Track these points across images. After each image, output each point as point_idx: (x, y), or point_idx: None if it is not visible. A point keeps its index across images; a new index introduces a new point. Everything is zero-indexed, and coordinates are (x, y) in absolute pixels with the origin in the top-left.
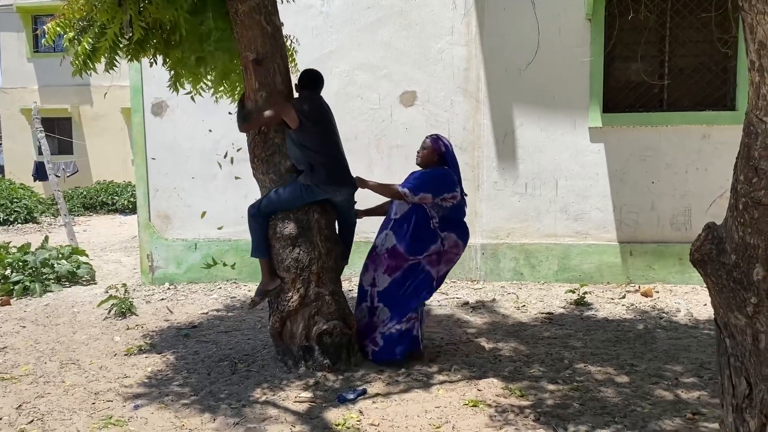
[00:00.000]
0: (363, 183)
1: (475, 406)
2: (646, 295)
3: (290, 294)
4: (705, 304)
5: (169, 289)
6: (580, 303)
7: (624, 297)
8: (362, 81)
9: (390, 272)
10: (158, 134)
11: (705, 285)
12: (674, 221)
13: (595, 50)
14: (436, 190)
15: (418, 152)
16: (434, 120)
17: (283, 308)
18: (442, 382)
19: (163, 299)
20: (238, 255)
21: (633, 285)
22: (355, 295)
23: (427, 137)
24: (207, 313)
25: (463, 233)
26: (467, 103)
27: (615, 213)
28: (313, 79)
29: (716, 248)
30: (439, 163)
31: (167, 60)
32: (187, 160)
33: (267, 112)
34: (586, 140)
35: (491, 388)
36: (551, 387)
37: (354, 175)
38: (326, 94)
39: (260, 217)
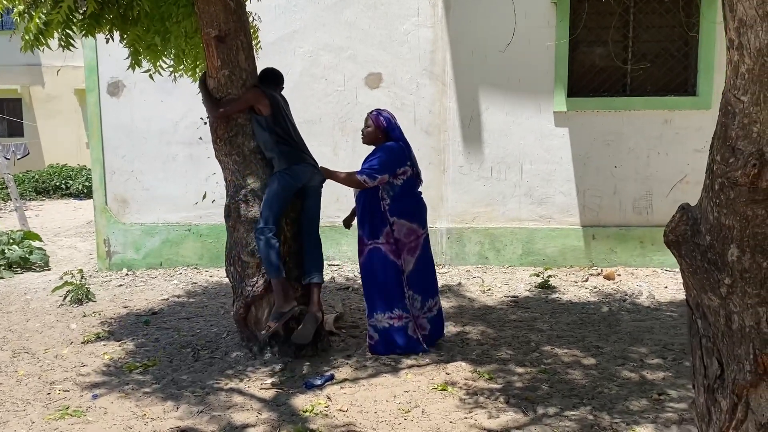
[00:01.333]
0: (329, 173)
1: (444, 389)
2: (608, 278)
3: (255, 279)
4: (666, 287)
5: (127, 275)
6: (545, 286)
7: (587, 280)
8: (326, 62)
9: (359, 257)
10: (114, 115)
11: (666, 267)
12: (636, 205)
13: (561, 34)
14: (389, 168)
15: (362, 131)
16: (400, 103)
17: (247, 293)
18: (410, 367)
19: (121, 285)
20: (199, 240)
21: (596, 268)
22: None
23: (367, 114)
24: (167, 299)
25: (417, 213)
26: (433, 86)
27: (578, 197)
28: (275, 79)
29: (691, 229)
30: (384, 139)
31: (124, 36)
32: (145, 141)
33: (240, 100)
34: (551, 124)
35: (460, 371)
36: (519, 370)
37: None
38: (290, 75)
39: (268, 231)
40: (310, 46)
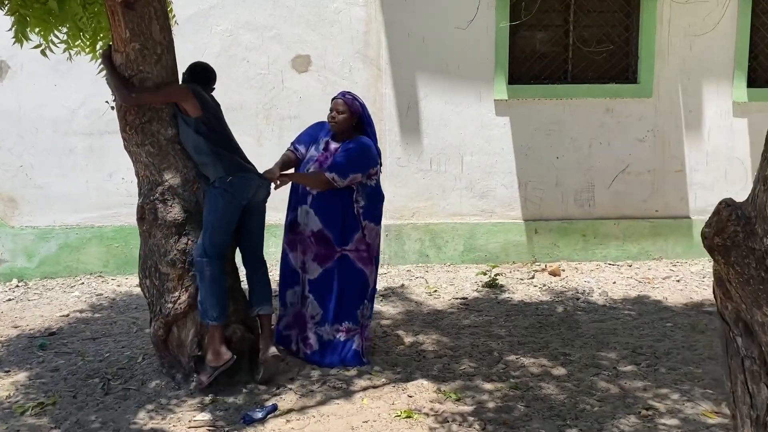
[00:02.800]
0: (290, 177)
1: (410, 417)
2: (554, 274)
3: (177, 294)
4: (614, 282)
5: (17, 287)
6: (493, 285)
7: (533, 277)
8: (248, 42)
9: (320, 261)
10: None
11: (609, 261)
12: (578, 197)
13: (500, 17)
14: (364, 166)
15: (332, 117)
16: (331, 88)
17: (168, 311)
18: (365, 389)
19: (10, 300)
20: (103, 244)
21: (538, 264)
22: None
23: (339, 96)
24: (68, 315)
25: (380, 215)
26: (367, 71)
27: (520, 190)
28: (206, 76)
29: (743, 230)
30: (358, 128)
31: (6, 2)
32: (36, 132)
33: (160, 93)
34: (492, 113)
35: (422, 392)
36: (488, 386)
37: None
38: (207, 56)
39: (210, 263)
40: (230, 24)
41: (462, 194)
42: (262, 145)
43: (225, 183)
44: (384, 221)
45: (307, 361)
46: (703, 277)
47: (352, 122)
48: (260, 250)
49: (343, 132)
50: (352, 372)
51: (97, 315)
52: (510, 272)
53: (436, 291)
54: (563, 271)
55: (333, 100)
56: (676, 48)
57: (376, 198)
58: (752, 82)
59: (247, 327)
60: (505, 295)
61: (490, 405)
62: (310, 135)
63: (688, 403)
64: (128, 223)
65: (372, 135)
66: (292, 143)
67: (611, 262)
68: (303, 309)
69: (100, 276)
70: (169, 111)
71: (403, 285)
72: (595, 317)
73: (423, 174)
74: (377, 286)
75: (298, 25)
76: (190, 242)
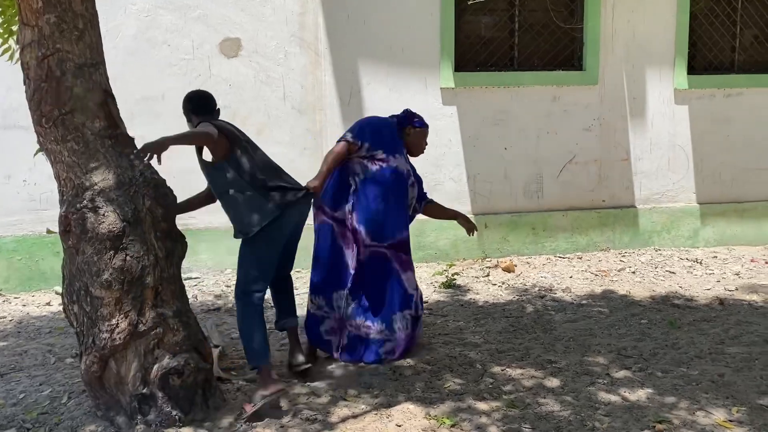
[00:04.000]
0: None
1: None
2: (508, 270)
3: (114, 321)
4: (571, 277)
5: None
6: (451, 286)
7: (488, 275)
8: (168, 24)
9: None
10: None
11: (559, 254)
12: (527, 189)
13: (445, 0)
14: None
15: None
16: (265, 75)
17: (103, 343)
18: (344, 419)
19: None
20: (4, 258)
21: (489, 259)
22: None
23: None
24: None
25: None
26: (305, 56)
27: (469, 183)
28: (209, 104)
29: None
30: None
31: None
32: None
33: (183, 135)
34: (438, 102)
35: (411, 419)
36: (482, 406)
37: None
38: (121, 39)
39: (250, 294)
40: (146, 3)
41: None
42: None
43: (273, 225)
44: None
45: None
46: (655, 267)
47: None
48: (292, 265)
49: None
50: (324, 398)
51: (1, 343)
52: (462, 270)
53: None
54: (515, 266)
55: (424, 128)
56: (620, 34)
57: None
58: (692, 69)
59: (200, 354)
60: (468, 297)
61: (492, 430)
62: (385, 136)
63: (699, 412)
64: (32, 233)
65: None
66: (354, 136)
67: (561, 255)
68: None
69: (0, 295)
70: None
71: None
72: (567, 317)
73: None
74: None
75: (226, 5)
76: (128, 258)
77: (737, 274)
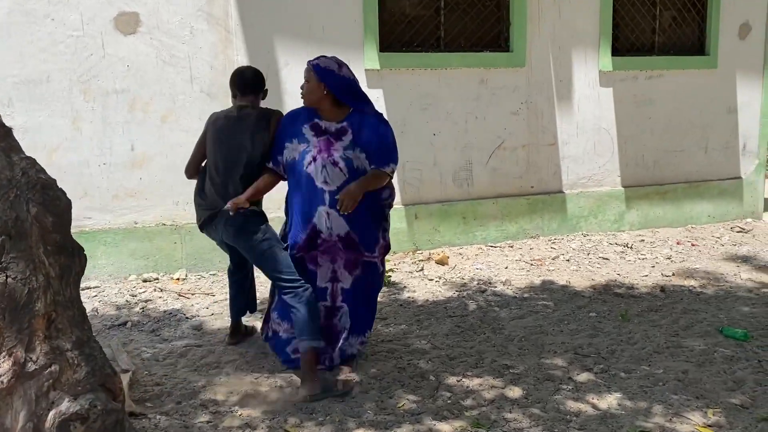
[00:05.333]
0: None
1: None
2: (441, 263)
3: None
4: (506, 267)
5: None
6: (386, 283)
7: (422, 269)
8: None
9: (350, 269)
10: None
11: (490, 243)
12: (457, 177)
13: None
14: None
15: (301, 87)
16: (168, 54)
17: None
18: None
19: None
20: None
21: (420, 252)
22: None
23: (308, 62)
24: None
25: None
26: (214, 34)
27: (398, 171)
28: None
29: None
30: (333, 99)
31: None
32: None
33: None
34: (363, 85)
35: None
36: (444, 427)
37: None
38: None
39: (300, 283)
40: None
41: None
42: (81, 128)
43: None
44: None
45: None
46: (588, 254)
47: (322, 91)
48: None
49: (319, 105)
50: (261, 431)
51: None
52: (396, 265)
53: None
54: (449, 258)
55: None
56: (547, 14)
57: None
58: (615, 51)
59: (108, 391)
60: (405, 295)
61: None
62: (286, 131)
63: (675, 419)
64: None
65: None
66: (269, 158)
67: (492, 244)
68: (335, 320)
69: None
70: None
71: None
72: (514, 313)
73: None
74: None
75: None
76: (10, 280)
77: (669, 258)
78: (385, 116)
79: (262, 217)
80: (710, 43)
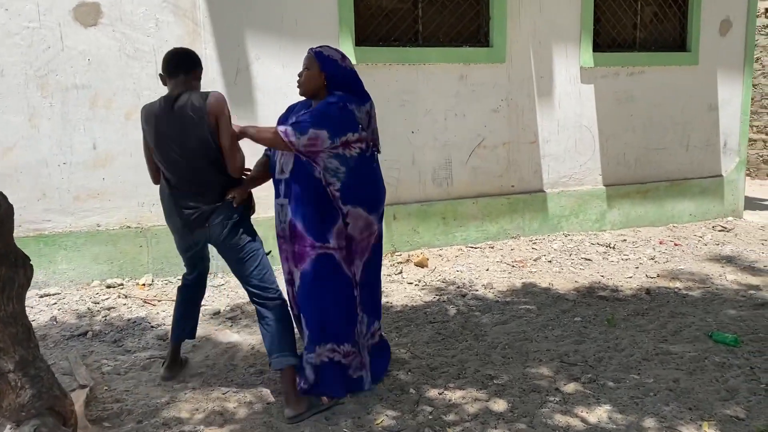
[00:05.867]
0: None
1: None
2: (421, 265)
3: None
4: (487, 269)
5: None
6: None
7: (401, 272)
8: None
9: (297, 263)
10: None
11: (470, 244)
12: (436, 176)
13: None
14: (333, 125)
15: (298, 74)
16: (132, 48)
17: None
18: None
19: None
20: None
21: (399, 253)
22: None
23: (309, 50)
24: None
25: (377, 199)
26: (180, 26)
27: None
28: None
29: None
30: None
31: None
32: None
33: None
34: None
35: None
36: None
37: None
38: None
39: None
40: None
41: None
42: (38, 126)
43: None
44: None
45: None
46: (570, 254)
47: (321, 81)
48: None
49: (315, 96)
50: None
51: None
52: None
53: None
54: (428, 260)
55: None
56: (527, 8)
57: (361, 173)
58: (596, 46)
59: (58, 415)
60: (384, 300)
61: None
62: (285, 118)
63: None
64: None
65: (355, 97)
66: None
67: (472, 245)
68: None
69: None
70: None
71: None
72: (496, 318)
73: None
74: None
75: None
76: None
77: (652, 259)
78: None
79: (249, 217)
80: (691, 39)
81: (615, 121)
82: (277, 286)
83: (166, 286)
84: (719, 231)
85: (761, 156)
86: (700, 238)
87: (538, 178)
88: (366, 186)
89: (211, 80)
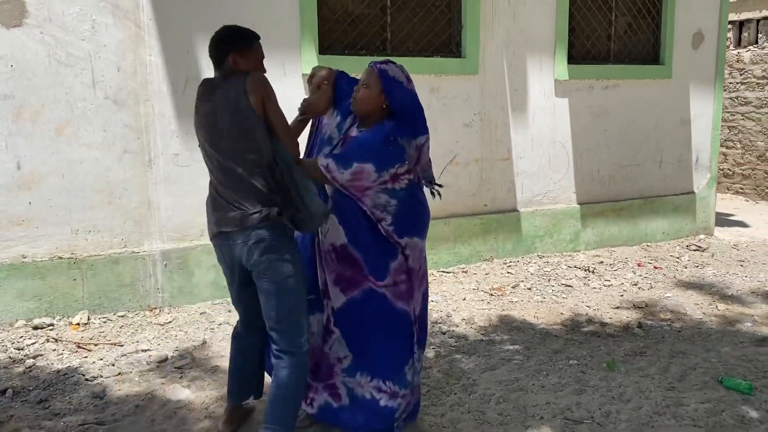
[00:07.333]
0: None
1: None
2: None
3: None
4: (464, 299)
5: None
6: None
7: None
8: None
9: (343, 287)
10: None
11: (442, 268)
12: None
13: None
14: (379, 157)
15: (355, 89)
16: (65, 54)
17: None
18: None
19: None
20: None
21: None
22: None
23: (372, 65)
24: None
25: (426, 227)
26: (121, 29)
27: None
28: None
29: None
30: (388, 114)
31: None
32: None
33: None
34: (300, 92)
35: None
36: None
37: None
38: None
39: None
40: None
41: None
42: None
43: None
44: (159, 245)
45: (332, 421)
46: (549, 279)
47: (380, 103)
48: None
49: (368, 116)
50: None
51: None
52: None
53: None
54: None
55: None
56: (501, 17)
57: (414, 201)
58: (571, 58)
59: None
60: None
61: None
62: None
63: None
64: None
65: (412, 123)
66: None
67: (444, 269)
68: (326, 347)
69: None
70: None
71: (204, 342)
72: (482, 362)
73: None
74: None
75: None
76: None
77: (635, 285)
78: None
79: (292, 242)
80: (665, 52)
81: (589, 137)
82: (305, 340)
83: (104, 325)
84: (695, 251)
85: (721, 170)
86: (678, 260)
87: (512, 196)
88: (419, 212)
89: (157, 91)
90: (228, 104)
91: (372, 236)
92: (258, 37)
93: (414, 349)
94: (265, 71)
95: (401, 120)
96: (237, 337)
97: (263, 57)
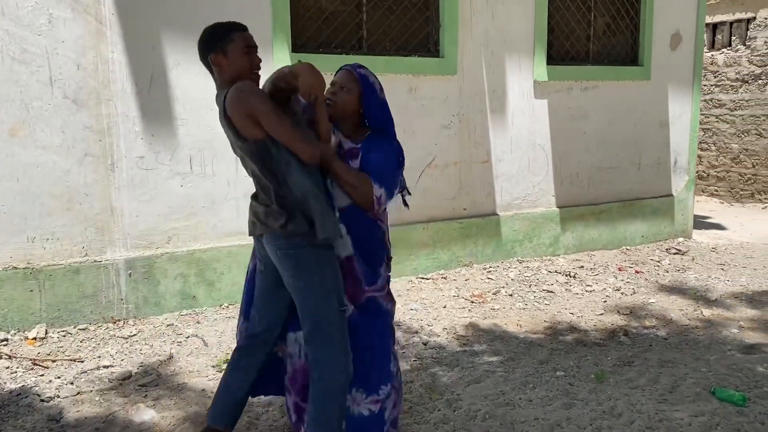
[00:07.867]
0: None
1: None
2: None
3: None
4: (444, 306)
5: None
6: None
7: None
8: None
9: (352, 300)
10: None
11: (421, 274)
12: None
13: None
14: (390, 184)
15: (331, 92)
16: (19, 49)
17: None
18: None
19: None
20: None
21: None
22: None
23: (347, 67)
24: None
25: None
26: (81, 24)
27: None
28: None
29: None
30: (361, 118)
31: None
32: None
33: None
34: None
35: None
36: None
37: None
38: None
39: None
40: None
41: (240, 205)
42: None
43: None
44: (123, 254)
45: None
46: (530, 285)
47: (358, 108)
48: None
49: (344, 120)
50: None
51: None
52: None
53: (226, 361)
54: None
55: (338, 71)
56: (479, 16)
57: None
58: (550, 59)
59: None
60: None
61: None
62: None
63: None
64: None
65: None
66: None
67: (423, 275)
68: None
69: None
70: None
71: (171, 356)
72: (466, 375)
73: (181, 179)
74: None
75: None
76: None
77: (618, 290)
78: None
79: (325, 248)
80: (643, 54)
81: (568, 139)
82: (345, 349)
83: (63, 339)
84: (674, 254)
85: (696, 172)
86: (659, 264)
87: (491, 200)
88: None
89: (121, 90)
90: (227, 133)
91: (369, 245)
92: (239, 27)
93: (393, 346)
94: (259, 61)
95: (375, 130)
96: (238, 351)
97: (252, 46)
